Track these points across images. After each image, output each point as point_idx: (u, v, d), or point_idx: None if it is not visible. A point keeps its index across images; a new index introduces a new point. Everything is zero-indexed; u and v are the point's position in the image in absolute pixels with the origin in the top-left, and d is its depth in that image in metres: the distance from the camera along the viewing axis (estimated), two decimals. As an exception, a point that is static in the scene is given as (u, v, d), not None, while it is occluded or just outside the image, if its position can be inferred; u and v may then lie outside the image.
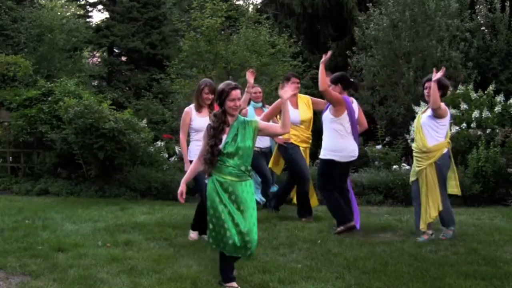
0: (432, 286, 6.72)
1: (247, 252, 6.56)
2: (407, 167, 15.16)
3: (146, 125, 17.12)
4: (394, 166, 15.34)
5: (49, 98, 16.69)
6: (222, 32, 19.73)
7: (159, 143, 17.89)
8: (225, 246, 6.56)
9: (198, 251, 8.42)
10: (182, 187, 6.83)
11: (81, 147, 14.72)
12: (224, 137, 6.57)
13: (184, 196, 6.82)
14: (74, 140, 14.72)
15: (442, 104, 9.20)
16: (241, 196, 6.56)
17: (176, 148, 17.66)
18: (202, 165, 6.75)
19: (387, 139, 18.16)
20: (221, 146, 6.53)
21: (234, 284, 6.70)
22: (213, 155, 6.54)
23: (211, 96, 9.06)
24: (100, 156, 14.31)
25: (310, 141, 11.53)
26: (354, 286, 6.72)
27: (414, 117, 17.22)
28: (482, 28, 21.74)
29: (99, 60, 37.67)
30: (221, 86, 6.70)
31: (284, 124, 6.71)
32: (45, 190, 15.39)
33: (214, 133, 6.56)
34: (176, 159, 17.13)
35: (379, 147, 17.00)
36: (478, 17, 21.76)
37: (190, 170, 7.07)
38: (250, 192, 6.66)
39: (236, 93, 6.52)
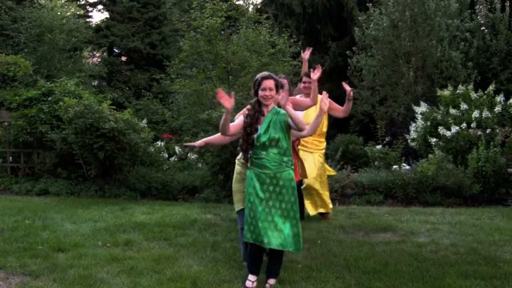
0: (432, 286, 6.71)
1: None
2: (407, 167, 15.19)
3: (146, 125, 17.09)
4: (394, 166, 15.34)
5: (49, 98, 16.69)
6: (222, 32, 19.74)
7: (159, 143, 17.89)
8: (257, 238, 6.61)
9: (198, 251, 8.41)
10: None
11: (81, 147, 14.70)
12: (259, 127, 6.67)
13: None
14: (74, 140, 14.71)
15: None
16: (278, 190, 6.64)
17: (176, 148, 17.67)
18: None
19: (387, 139, 18.16)
20: (255, 136, 6.63)
21: (252, 277, 6.76)
22: (247, 143, 6.70)
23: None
24: (100, 156, 14.29)
25: (318, 146, 10.99)
26: (354, 286, 6.73)
27: (414, 117, 17.39)
28: (482, 28, 21.77)
29: (99, 60, 37.62)
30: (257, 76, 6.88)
31: (310, 127, 6.93)
32: (45, 190, 15.36)
33: (251, 121, 6.68)
34: (176, 159, 17.13)
35: (379, 147, 17.01)
36: (478, 17, 21.81)
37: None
38: (288, 186, 6.69)
39: (267, 83, 6.64)
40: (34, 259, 7.88)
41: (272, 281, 6.75)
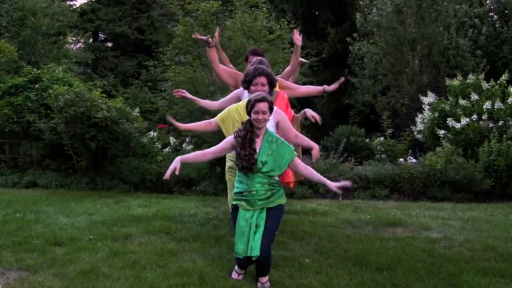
0: (449, 283, 6.81)
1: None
2: (414, 160, 15.25)
3: (138, 114, 17.12)
4: (400, 159, 15.43)
5: (37, 86, 16.69)
6: (219, 15, 19.78)
7: (151, 133, 17.94)
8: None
9: (202, 245, 8.50)
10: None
11: (72, 137, 14.75)
12: (257, 149, 6.72)
13: (173, 173, 6.74)
14: (64, 130, 14.76)
15: None
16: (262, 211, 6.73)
17: (171, 139, 17.73)
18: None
19: (389, 131, 18.24)
20: (256, 156, 6.66)
21: (239, 270, 6.97)
22: (250, 163, 6.63)
23: None
24: (92, 146, 14.35)
25: None
26: (369, 283, 6.83)
27: (420, 108, 17.46)
28: (491, 14, 21.80)
29: (82, 46, 37.54)
30: (251, 96, 6.89)
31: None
32: (33, 183, 15.41)
33: (243, 141, 6.68)
34: (170, 150, 17.18)
35: (381, 139, 17.12)
36: (488, 2, 21.83)
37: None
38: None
39: (260, 105, 6.58)
40: (31, 254, 7.94)
41: (264, 279, 6.80)
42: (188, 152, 16.52)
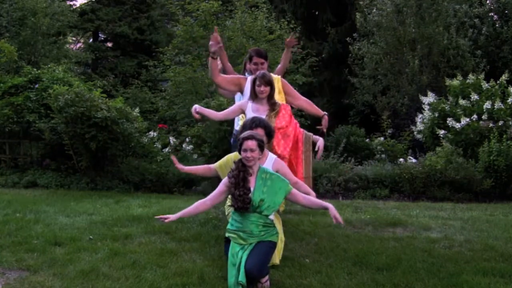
0: (449, 283, 6.78)
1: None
2: (414, 160, 15.25)
3: (138, 114, 17.11)
4: (400, 159, 15.43)
5: (36, 86, 16.67)
6: (219, 15, 19.80)
7: (151, 133, 17.94)
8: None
9: (202, 245, 8.51)
10: (173, 217, 7.03)
11: (72, 137, 14.75)
12: (251, 187, 6.77)
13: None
14: (64, 130, 14.77)
15: None
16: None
17: (171, 139, 17.74)
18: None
19: (389, 131, 18.22)
20: (251, 195, 6.71)
21: None
22: (245, 203, 6.69)
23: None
24: (92, 146, 14.35)
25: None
26: (370, 283, 6.81)
27: (420, 108, 17.46)
28: (491, 14, 21.78)
29: (82, 46, 37.52)
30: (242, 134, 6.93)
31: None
32: (33, 183, 15.42)
33: (236, 181, 6.72)
34: (170, 150, 17.19)
35: (381, 139, 17.12)
36: (488, 2, 21.82)
37: (196, 207, 7.29)
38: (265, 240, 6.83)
39: (248, 143, 6.65)
40: (31, 254, 7.91)
41: (263, 279, 6.74)
42: (188, 151, 16.56)
